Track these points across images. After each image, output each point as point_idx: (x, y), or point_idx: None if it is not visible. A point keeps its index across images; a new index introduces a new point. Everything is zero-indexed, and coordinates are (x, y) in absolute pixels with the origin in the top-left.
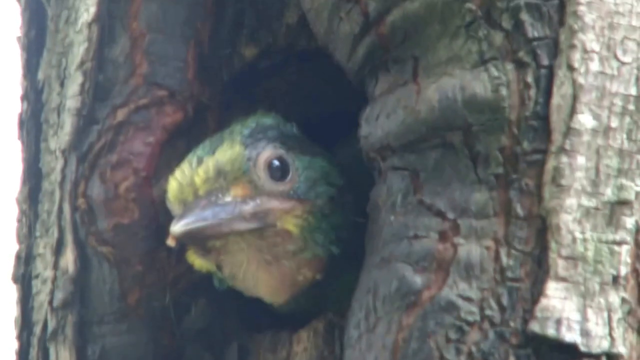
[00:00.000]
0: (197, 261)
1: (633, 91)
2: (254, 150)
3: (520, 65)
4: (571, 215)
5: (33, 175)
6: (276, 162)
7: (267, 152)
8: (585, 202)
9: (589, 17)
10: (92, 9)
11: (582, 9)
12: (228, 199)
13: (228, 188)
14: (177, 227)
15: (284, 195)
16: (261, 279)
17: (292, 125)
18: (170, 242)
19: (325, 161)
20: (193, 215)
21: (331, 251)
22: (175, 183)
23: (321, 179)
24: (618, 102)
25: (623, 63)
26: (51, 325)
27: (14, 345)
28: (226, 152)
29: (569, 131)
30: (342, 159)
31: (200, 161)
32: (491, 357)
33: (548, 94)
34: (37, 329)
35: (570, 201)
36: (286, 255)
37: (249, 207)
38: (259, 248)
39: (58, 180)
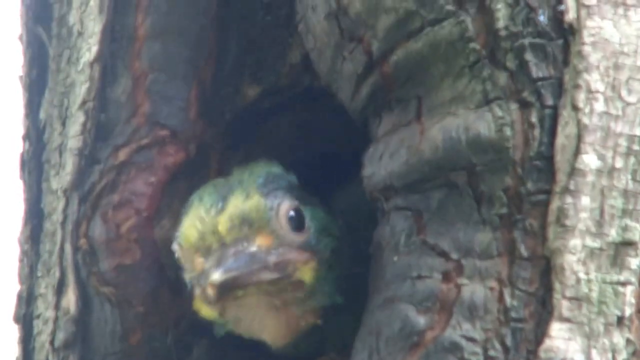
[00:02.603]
0: (204, 309)
1: (638, 132)
2: (274, 200)
3: (524, 105)
4: (575, 256)
5: (35, 215)
6: (293, 213)
7: (287, 203)
8: (590, 242)
9: (593, 57)
10: (94, 48)
11: (586, 49)
12: (254, 248)
13: (253, 237)
14: (219, 275)
15: (301, 246)
16: (266, 323)
17: (293, 175)
18: (210, 291)
19: (324, 212)
20: (228, 263)
21: (335, 300)
22: (195, 231)
23: (325, 230)
24: (623, 142)
25: (628, 103)
26: None
27: None
28: (245, 200)
29: (573, 171)
30: (341, 204)
31: (218, 209)
32: None
33: (552, 134)
34: None
35: (575, 242)
36: (294, 302)
37: (273, 257)
38: (270, 295)
39: (60, 220)
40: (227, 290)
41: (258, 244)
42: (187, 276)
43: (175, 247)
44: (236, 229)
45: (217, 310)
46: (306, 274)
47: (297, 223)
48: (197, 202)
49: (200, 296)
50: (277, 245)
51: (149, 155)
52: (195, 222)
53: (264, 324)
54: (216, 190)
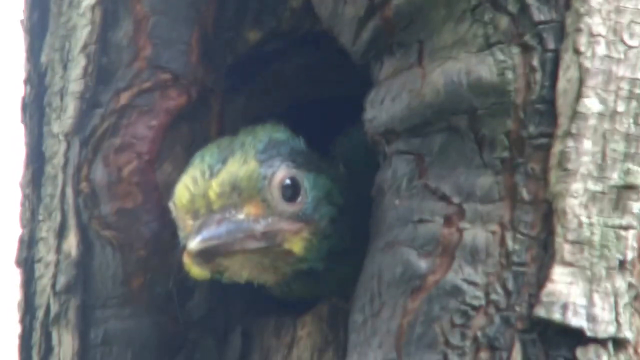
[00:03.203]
0: (194, 269)
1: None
2: (269, 168)
3: (526, 49)
4: (577, 200)
5: (36, 159)
6: (289, 182)
7: (282, 172)
8: (592, 186)
9: (595, 1)
10: None
11: None
12: (241, 216)
13: (242, 205)
14: (195, 244)
15: (293, 216)
16: (254, 277)
17: (300, 139)
18: (187, 259)
19: (329, 178)
20: (209, 231)
21: (319, 266)
22: (187, 192)
23: (325, 199)
24: (624, 86)
25: (629, 47)
26: (54, 309)
27: (17, 329)
28: (241, 166)
29: (575, 115)
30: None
31: (213, 172)
32: (496, 342)
33: (554, 77)
34: (40, 313)
35: (577, 185)
36: (283, 266)
37: (260, 226)
38: (260, 262)
39: (61, 164)
40: (205, 258)
41: (246, 212)
42: (180, 234)
43: (170, 205)
44: (225, 196)
45: (205, 271)
46: (295, 244)
47: (292, 192)
48: (198, 161)
49: (187, 256)
50: (267, 215)
51: (150, 98)
52: (189, 183)
53: (252, 277)
54: (219, 151)
